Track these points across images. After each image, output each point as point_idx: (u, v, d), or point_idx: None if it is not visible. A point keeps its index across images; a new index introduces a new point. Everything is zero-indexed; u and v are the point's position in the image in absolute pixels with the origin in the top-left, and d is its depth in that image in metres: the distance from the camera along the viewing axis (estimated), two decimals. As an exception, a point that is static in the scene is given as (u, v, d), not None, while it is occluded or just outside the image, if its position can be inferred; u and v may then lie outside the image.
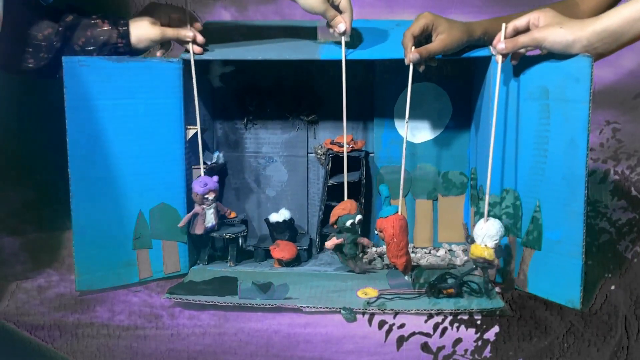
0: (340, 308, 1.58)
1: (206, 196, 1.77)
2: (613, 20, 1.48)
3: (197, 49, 1.74)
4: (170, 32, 1.70)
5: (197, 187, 1.76)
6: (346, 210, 1.73)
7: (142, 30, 1.67)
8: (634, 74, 2.07)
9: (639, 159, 2.05)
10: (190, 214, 1.79)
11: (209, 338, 1.53)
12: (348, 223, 1.72)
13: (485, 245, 1.58)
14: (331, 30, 1.71)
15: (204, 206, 1.79)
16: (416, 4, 2.02)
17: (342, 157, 1.79)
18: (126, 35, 1.66)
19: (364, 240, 1.78)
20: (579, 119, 1.51)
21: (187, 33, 1.71)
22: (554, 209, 1.59)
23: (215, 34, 1.86)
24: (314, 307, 1.59)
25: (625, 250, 1.80)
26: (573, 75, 1.51)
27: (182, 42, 1.74)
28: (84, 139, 1.65)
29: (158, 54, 1.78)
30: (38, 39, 1.61)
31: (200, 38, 1.73)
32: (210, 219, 1.80)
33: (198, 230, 1.80)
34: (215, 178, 1.80)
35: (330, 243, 1.76)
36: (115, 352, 1.50)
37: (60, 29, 1.61)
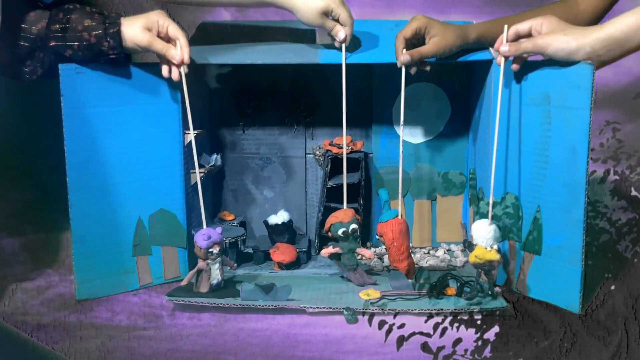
0: (343, 308, 1.58)
1: (210, 250, 1.63)
2: (617, 27, 1.47)
3: (175, 75, 1.65)
4: (159, 45, 1.62)
5: (200, 241, 1.63)
6: (338, 218, 1.73)
7: (130, 30, 1.60)
8: (634, 74, 2.08)
9: (639, 159, 2.06)
10: (194, 270, 1.66)
11: (209, 338, 1.53)
12: (340, 231, 1.71)
13: (492, 247, 1.58)
14: (332, 40, 1.72)
15: (209, 261, 1.65)
16: (416, 4, 2.03)
17: (341, 158, 1.79)
18: (117, 45, 1.60)
19: (366, 252, 1.75)
20: (580, 126, 1.51)
21: (176, 55, 1.63)
22: (554, 214, 1.59)
23: (213, 35, 1.86)
24: (317, 308, 1.59)
25: (625, 250, 1.80)
26: (574, 82, 1.51)
27: (166, 61, 1.66)
28: (81, 147, 1.64)
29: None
30: (33, 32, 1.58)
31: (186, 59, 1.64)
32: (216, 275, 1.66)
33: (203, 288, 1.65)
34: (219, 229, 1.66)
35: (325, 251, 1.74)
36: (115, 352, 1.49)
37: (47, 42, 1.59)
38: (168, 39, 1.65)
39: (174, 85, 1.72)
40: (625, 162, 2.05)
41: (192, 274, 1.66)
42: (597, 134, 2.11)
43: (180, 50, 1.63)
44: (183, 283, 1.67)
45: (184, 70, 1.65)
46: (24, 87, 1.77)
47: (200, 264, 1.65)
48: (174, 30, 1.64)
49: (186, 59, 1.64)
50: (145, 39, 1.61)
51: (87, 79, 1.63)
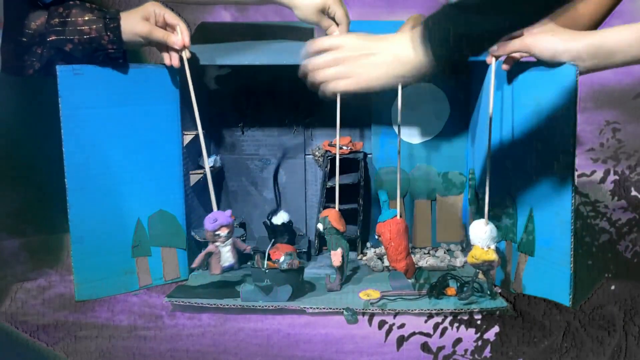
0: (343, 309, 1.58)
1: (217, 232, 1.65)
2: (610, 38, 1.46)
3: (175, 61, 1.68)
4: (159, 33, 1.64)
5: (207, 223, 1.65)
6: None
7: (129, 23, 1.62)
8: (634, 74, 2.08)
9: (639, 159, 2.06)
10: (204, 253, 1.67)
11: (209, 338, 1.53)
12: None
13: (489, 247, 1.58)
14: None
15: (218, 244, 1.66)
16: (416, 4, 2.02)
17: (341, 159, 1.79)
18: (116, 40, 1.61)
19: (332, 257, 1.72)
20: (565, 127, 1.50)
21: (177, 40, 1.65)
22: (545, 216, 1.59)
23: (213, 35, 1.86)
24: (317, 308, 1.59)
25: (625, 250, 1.80)
26: (560, 83, 1.51)
27: (166, 49, 1.69)
28: (80, 148, 1.64)
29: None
30: (31, 28, 1.59)
31: (187, 42, 1.67)
32: (227, 257, 1.67)
33: (214, 270, 1.67)
34: (228, 212, 1.68)
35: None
36: (115, 352, 1.50)
37: (47, 37, 1.59)
38: (165, 28, 1.66)
39: (173, 86, 1.73)
40: (625, 162, 2.05)
41: (201, 256, 1.66)
42: (597, 134, 2.11)
43: (180, 35, 1.64)
44: (194, 265, 1.68)
45: (186, 54, 1.67)
46: (24, 87, 1.77)
47: (210, 247, 1.66)
48: (170, 17, 1.66)
49: (187, 43, 1.66)
50: (146, 28, 1.62)
51: (85, 80, 1.63)
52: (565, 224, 1.52)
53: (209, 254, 1.67)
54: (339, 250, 1.70)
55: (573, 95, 1.47)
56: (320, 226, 1.73)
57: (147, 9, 1.64)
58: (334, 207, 1.75)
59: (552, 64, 1.52)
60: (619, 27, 1.46)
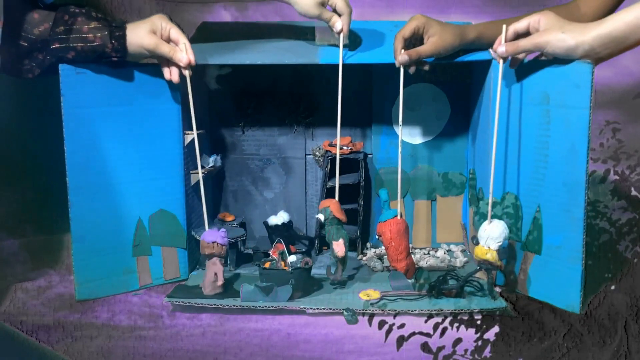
0: (343, 309, 1.58)
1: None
2: (616, 25, 1.47)
3: (175, 77, 1.67)
4: (165, 47, 1.63)
5: (219, 238, 1.65)
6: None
7: (136, 35, 1.61)
8: (634, 74, 2.08)
9: (639, 159, 2.06)
10: (222, 271, 1.67)
11: (209, 338, 1.53)
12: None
13: (489, 247, 1.58)
14: (331, 32, 1.72)
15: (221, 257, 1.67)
16: (416, 4, 2.03)
17: (342, 159, 1.79)
18: (121, 49, 1.61)
19: (336, 247, 1.70)
20: (580, 125, 1.51)
21: (183, 58, 1.64)
22: (554, 214, 1.59)
23: (213, 35, 1.86)
24: (317, 309, 1.59)
25: (625, 250, 1.80)
26: (573, 81, 1.51)
27: (167, 63, 1.68)
28: (81, 147, 1.64)
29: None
30: (34, 33, 1.58)
31: (193, 61, 1.65)
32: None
33: (211, 290, 1.68)
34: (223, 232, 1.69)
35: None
36: (115, 352, 1.49)
37: (50, 44, 1.59)
38: (169, 42, 1.65)
39: (174, 86, 1.72)
40: (625, 162, 2.05)
41: (222, 273, 1.66)
42: (597, 134, 2.12)
43: (186, 53, 1.63)
44: (219, 284, 1.66)
45: (188, 72, 1.65)
46: (24, 87, 1.77)
47: (217, 265, 1.66)
48: (175, 33, 1.64)
49: (193, 61, 1.64)
50: (152, 42, 1.61)
51: (87, 79, 1.63)
52: (577, 221, 1.53)
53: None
54: (341, 240, 1.70)
55: (589, 91, 1.48)
56: (321, 216, 1.71)
57: (155, 23, 1.63)
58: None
59: (563, 61, 1.52)
60: (623, 12, 1.47)
